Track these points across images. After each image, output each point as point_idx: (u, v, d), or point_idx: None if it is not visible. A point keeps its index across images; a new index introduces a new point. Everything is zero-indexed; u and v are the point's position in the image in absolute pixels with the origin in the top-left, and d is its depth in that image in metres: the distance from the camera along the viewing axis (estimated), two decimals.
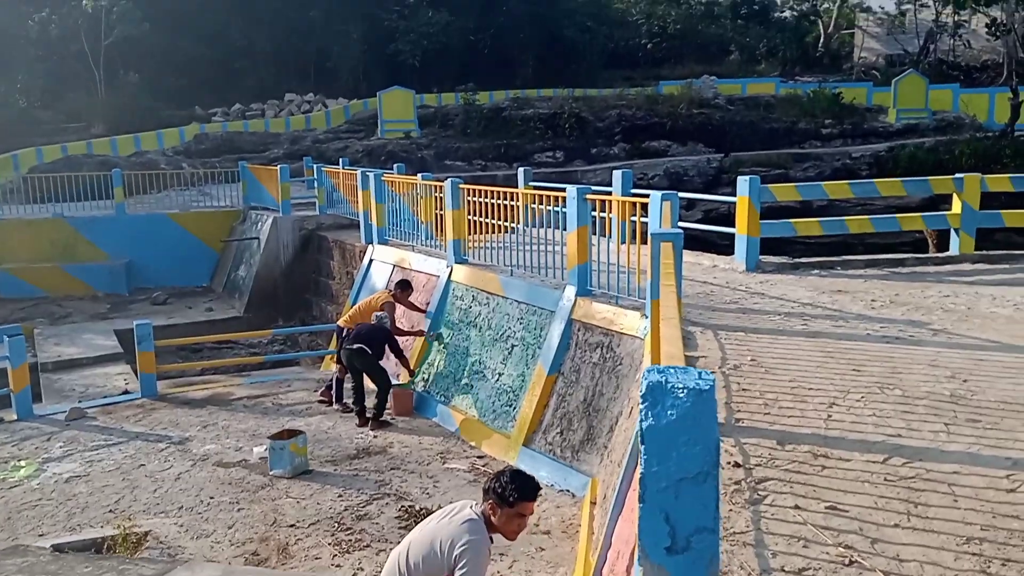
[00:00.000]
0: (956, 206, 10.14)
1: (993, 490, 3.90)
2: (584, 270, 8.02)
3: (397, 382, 9.88)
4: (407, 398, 9.72)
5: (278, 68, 38.01)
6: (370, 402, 9.38)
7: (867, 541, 3.46)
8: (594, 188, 8.33)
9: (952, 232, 10.26)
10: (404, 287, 10.27)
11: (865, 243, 18.70)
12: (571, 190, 8.03)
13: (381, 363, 9.52)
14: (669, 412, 1.97)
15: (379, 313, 9.85)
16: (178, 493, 7.48)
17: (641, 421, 1.98)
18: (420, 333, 10.26)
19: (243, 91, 35.50)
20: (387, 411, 9.41)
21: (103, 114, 30.55)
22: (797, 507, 3.77)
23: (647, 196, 7.67)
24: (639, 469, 2.01)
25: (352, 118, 32.63)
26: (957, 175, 10.19)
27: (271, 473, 7.76)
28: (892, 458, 4.28)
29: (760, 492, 3.95)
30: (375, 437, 8.87)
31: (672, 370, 2.05)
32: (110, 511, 7.12)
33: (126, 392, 11.01)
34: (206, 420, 9.58)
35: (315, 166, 18.56)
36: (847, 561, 3.31)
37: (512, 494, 3.79)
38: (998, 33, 35.88)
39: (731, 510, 3.76)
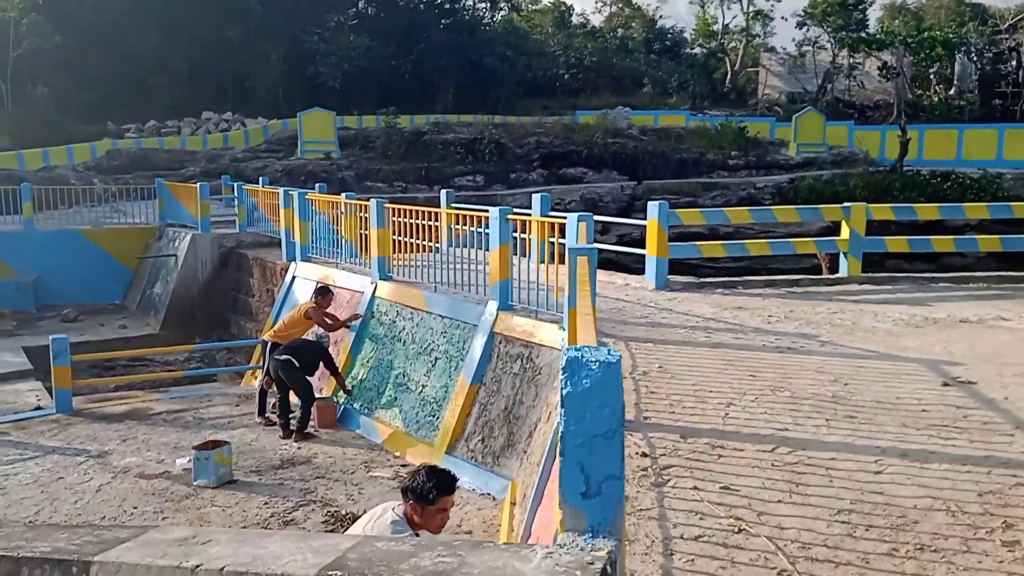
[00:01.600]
0: (845, 232, 11.03)
1: (863, 472, 4.47)
2: (506, 286, 8.45)
3: (320, 396, 10.05)
4: (330, 411, 9.90)
5: (194, 86, 37.46)
6: (294, 415, 9.53)
7: (754, 514, 3.96)
8: (515, 209, 8.79)
9: (841, 256, 11.15)
10: (324, 293, 10.38)
11: (768, 268, 19.79)
12: (494, 211, 8.48)
13: (308, 378, 9.67)
14: (584, 381, 2.38)
15: (319, 331, 10.01)
16: (100, 504, 7.49)
17: (562, 389, 2.39)
18: (354, 318, 10.44)
19: (157, 108, 34.82)
20: (311, 424, 9.58)
21: (9, 127, 29.54)
22: (696, 488, 4.26)
23: (565, 218, 8.19)
24: (560, 431, 2.42)
25: (271, 138, 32.35)
26: (846, 204, 11.10)
27: (195, 483, 7.84)
28: (779, 448, 4.83)
29: (664, 477, 4.42)
30: (299, 448, 9.02)
31: (587, 348, 2.47)
32: (30, 523, 7.09)
33: (39, 408, 10.80)
34: (125, 434, 9.53)
35: (235, 184, 18.48)
36: (736, 530, 3.79)
37: (431, 491, 3.81)
38: (888, 75, 38.53)
39: (639, 492, 4.21)
